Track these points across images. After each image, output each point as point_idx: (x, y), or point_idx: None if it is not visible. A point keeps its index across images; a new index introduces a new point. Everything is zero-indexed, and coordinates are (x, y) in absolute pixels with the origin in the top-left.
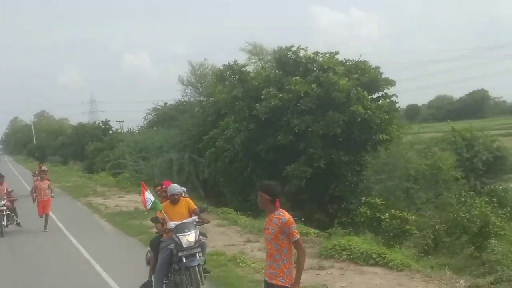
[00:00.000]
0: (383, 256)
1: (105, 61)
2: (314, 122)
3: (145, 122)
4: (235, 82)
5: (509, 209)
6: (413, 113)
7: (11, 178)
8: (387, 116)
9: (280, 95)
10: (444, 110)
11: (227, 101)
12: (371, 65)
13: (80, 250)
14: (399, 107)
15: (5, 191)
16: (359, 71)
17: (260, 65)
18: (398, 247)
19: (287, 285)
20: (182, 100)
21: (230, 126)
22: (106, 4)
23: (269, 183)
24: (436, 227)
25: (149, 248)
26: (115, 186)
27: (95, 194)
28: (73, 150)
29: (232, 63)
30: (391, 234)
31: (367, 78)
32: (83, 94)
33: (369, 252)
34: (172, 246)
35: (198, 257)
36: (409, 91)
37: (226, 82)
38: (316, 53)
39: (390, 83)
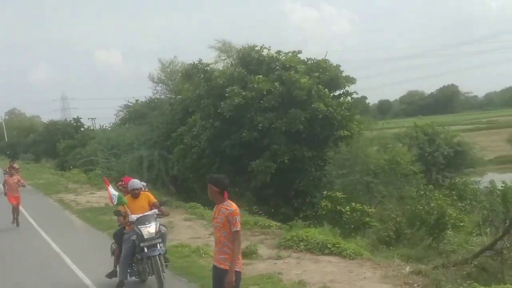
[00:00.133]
0: (338, 246)
1: (76, 58)
2: (277, 119)
3: (116, 119)
4: (201, 80)
5: (468, 201)
6: (385, 108)
7: None
8: (348, 113)
9: (244, 93)
10: (415, 105)
11: (192, 99)
12: (332, 64)
13: (51, 245)
14: (369, 103)
15: None
16: (320, 70)
17: (230, 62)
18: (355, 238)
19: (236, 269)
20: (153, 97)
21: (197, 123)
22: (76, 1)
23: (217, 176)
24: (398, 219)
25: (114, 240)
26: (86, 183)
27: (67, 191)
28: (45, 148)
29: (197, 62)
30: (352, 226)
31: (327, 76)
32: (54, 91)
33: (324, 242)
34: (134, 237)
35: (159, 247)
36: (381, 86)
37: (191, 81)
38: (279, 52)
39: (350, 80)
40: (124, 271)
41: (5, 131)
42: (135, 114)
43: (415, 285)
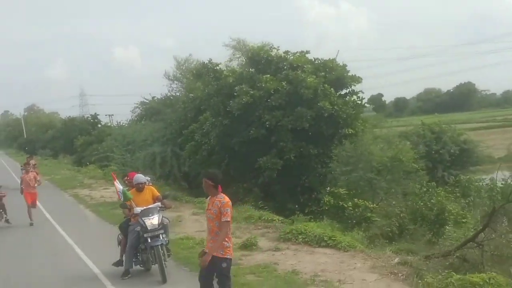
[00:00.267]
0: (333, 239)
1: (95, 54)
2: (284, 117)
3: (133, 116)
4: (211, 79)
5: (472, 198)
6: (401, 105)
7: (2, 172)
8: (353, 112)
9: (252, 92)
10: (431, 103)
11: (203, 97)
12: (339, 63)
13: (64, 237)
14: (385, 100)
15: None
16: (327, 69)
17: (243, 60)
18: (353, 232)
19: (225, 256)
20: (169, 94)
21: (207, 121)
22: None
23: (212, 171)
24: (401, 215)
25: (120, 232)
26: (102, 179)
27: (82, 186)
28: (63, 144)
29: (207, 61)
30: (354, 221)
31: (334, 75)
32: (73, 87)
33: (321, 235)
34: (138, 228)
35: (161, 238)
36: (399, 84)
37: (202, 80)
38: (287, 52)
39: (356, 80)
40: (130, 260)
41: (24, 127)
42: (151, 111)
43: (400, 274)
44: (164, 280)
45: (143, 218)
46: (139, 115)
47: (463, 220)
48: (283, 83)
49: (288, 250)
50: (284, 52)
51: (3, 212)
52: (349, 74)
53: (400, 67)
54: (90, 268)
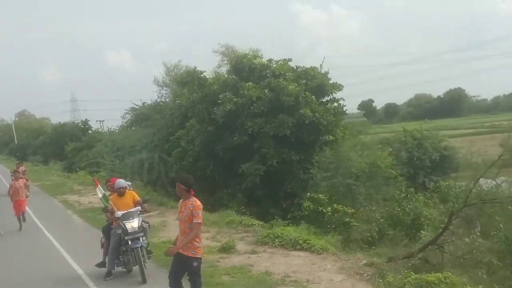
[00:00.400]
0: (308, 242)
1: (86, 59)
2: (266, 124)
3: (123, 122)
4: (195, 87)
5: (451, 204)
6: (391, 111)
7: None
8: (334, 119)
9: (235, 99)
10: (422, 108)
11: (188, 105)
12: (320, 71)
13: (51, 241)
14: (375, 106)
15: None
16: (309, 77)
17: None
18: (331, 235)
19: (196, 256)
20: (159, 100)
21: (193, 128)
22: (86, 1)
23: (185, 176)
24: (381, 220)
25: (103, 235)
26: (91, 185)
27: (72, 192)
28: (53, 150)
29: (192, 69)
30: (333, 226)
31: (315, 83)
32: (64, 92)
33: (296, 239)
34: (119, 231)
35: (141, 240)
36: (389, 90)
37: (187, 88)
38: (270, 60)
39: (337, 87)
40: (112, 262)
41: (14, 133)
42: (141, 117)
43: (365, 275)
44: (143, 281)
45: (123, 222)
46: (130, 121)
47: (441, 225)
48: (266, 91)
49: (264, 253)
50: (267, 60)
51: None
52: (330, 81)
53: (391, 73)
54: (74, 269)
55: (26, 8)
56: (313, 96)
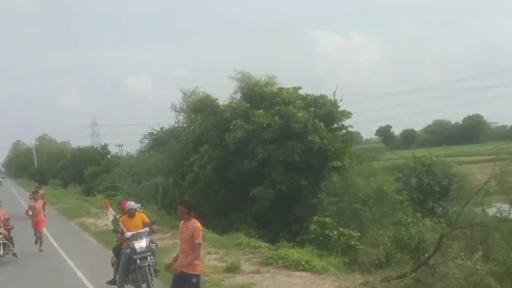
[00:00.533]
0: (310, 263)
1: (107, 84)
2: (276, 150)
3: (141, 146)
4: (208, 114)
5: (459, 229)
6: (409, 137)
7: (13, 202)
8: (342, 145)
9: (246, 126)
10: (440, 135)
11: (201, 131)
12: (331, 99)
13: (66, 261)
14: (393, 132)
15: (2, 218)
16: (318, 105)
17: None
18: (333, 257)
19: (195, 273)
20: (176, 126)
21: (206, 153)
22: (107, 28)
23: (186, 200)
24: (388, 244)
25: (113, 254)
26: (107, 208)
27: (89, 215)
28: (73, 174)
29: (204, 97)
30: (339, 249)
31: (324, 110)
32: (85, 117)
33: (299, 260)
34: (129, 251)
35: (149, 259)
36: (407, 116)
37: (200, 115)
38: (280, 89)
39: (346, 115)
40: (122, 279)
41: (35, 157)
42: (158, 142)
43: None
44: None
45: (133, 242)
46: (147, 145)
47: (448, 249)
48: (276, 118)
49: (268, 273)
50: (277, 88)
51: (10, 245)
52: (339, 109)
53: (409, 99)
54: (86, 286)
55: (48, 36)
56: (321, 123)
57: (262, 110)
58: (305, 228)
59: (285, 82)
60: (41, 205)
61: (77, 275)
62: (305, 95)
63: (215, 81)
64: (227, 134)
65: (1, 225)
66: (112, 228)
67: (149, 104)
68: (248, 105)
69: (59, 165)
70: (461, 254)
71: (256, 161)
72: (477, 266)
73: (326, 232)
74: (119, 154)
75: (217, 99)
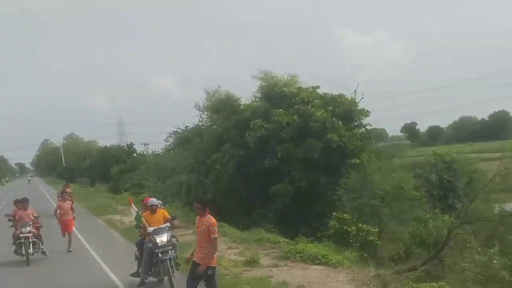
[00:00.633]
0: (326, 257)
1: (133, 83)
2: (295, 148)
3: (166, 145)
4: (228, 113)
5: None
6: (435, 134)
7: (42, 200)
8: (361, 143)
9: (266, 125)
10: (466, 131)
11: (222, 130)
12: (347, 98)
13: (93, 256)
14: (419, 129)
15: (31, 217)
16: (336, 103)
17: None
18: (349, 252)
19: (211, 265)
20: (200, 124)
21: (228, 152)
22: (134, 28)
23: (201, 196)
24: (407, 240)
25: (136, 248)
26: (137, 206)
27: (115, 213)
28: (100, 172)
29: (224, 97)
30: (358, 244)
31: (342, 109)
32: (112, 116)
33: (316, 254)
34: (151, 245)
35: (170, 253)
36: (433, 112)
37: (220, 114)
38: (300, 88)
39: (364, 113)
40: (145, 272)
41: (62, 156)
42: (183, 140)
43: (371, 285)
44: None
45: (154, 236)
46: (172, 144)
47: (467, 245)
48: (295, 117)
49: (285, 267)
50: (297, 88)
51: (40, 243)
52: (358, 108)
53: (435, 96)
54: (112, 279)
55: (75, 35)
56: (339, 122)
57: (281, 110)
58: (325, 224)
59: (308, 81)
60: (69, 205)
61: (103, 269)
62: (323, 94)
63: (239, 80)
64: (247, 133)
65: (30, 223)
66: (135, 223)
67: (175, 102)
68: (268, 104)
69: (86, 163)
70: (468, 247)
71: (276, 159)
72: (494, 261)
73: (345, 227)
74: (145, 153)
75: (239, 98)
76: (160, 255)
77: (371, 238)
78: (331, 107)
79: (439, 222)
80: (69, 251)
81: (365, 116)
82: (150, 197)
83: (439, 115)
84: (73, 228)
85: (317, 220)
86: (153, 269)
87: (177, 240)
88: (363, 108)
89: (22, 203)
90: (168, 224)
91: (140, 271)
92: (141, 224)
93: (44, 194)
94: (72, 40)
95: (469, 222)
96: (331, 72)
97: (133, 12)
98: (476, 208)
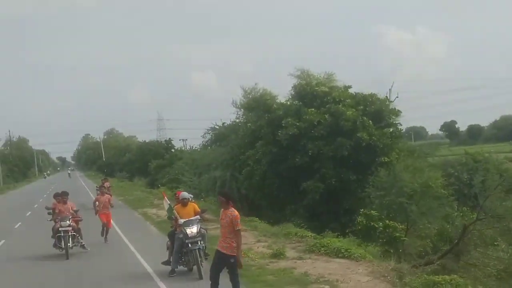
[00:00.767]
0: (349, 251)
1: (172, 79)
2: (325, 146)
3: (203, 141)
4: (261, 112)
5: (506, 223)
6: (475, 133)
7: (82, 193)
8: (390, 142)
9: (297, 124)
10: (507, 130)
11: (255, 128)
12: (379, 97)
13: (128, 246)
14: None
15: (70, 210)
16: (367, 103)
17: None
18: (372, 246)
19: (233, 254)
20: (237, 121)
21: (261, 149)
22: (174, 23)
23: (225, 190)
24: (434, 237)
25: (168, 238)
26: (170, 199)
27: (151, 206)
28: (138, 167)
29: (258, 96)
30: (384, 240)
31: (373, 108)
32: (151, 111)
33: (339, 248)
34: (181, 236)
35: (199, 244)
36: (474, 111)
37: (254, 113)
38: (332, 88)
39: (395, 113)
40: (175, 261)
41: (103, 150)
42: (220, 137)
43: (388, 277)
44: (200, 277)
45: (185, 228)
46: (209, 140)
47: (495, 243)
48: (326, 116)
49: (309, 260)
50: (329, 87)
51: (79, 237)
52: (389, 107)
53: (477, 95)
54: (144, 267)
55: (115, 31)
56: (370, 121)
57: (313, 109)
58: (353, 220)
59: (346, 79)
60: (107, 200)
61: (137, 257)
62: (354, 94)
63: (278, 77)
64: (279, 131)
65: (70, 217)
66: (167, 215)
67: (213, 99)
68: (300, 103)
69: (126, 158)
70: (483, 243)
71: (307, 156)
72: None
73: (372, 224)
74: (183, 149)
75: (277, 96)
76: (190, 245)
77: (397, 234)
78: (361, 106)
79: (465, 220)
80: (106, 241)
81: (396, 116)
82: (182, 191)
83: (479, 114)
84: (111, 221)
85: (346, 216)
86: (183, 259)
87: (206, 231)
88: (394, 108)
89: (61, 196)
90: (198, 216)
91: (171, 260)
92: (173, 216)
93: (84, 188)
94: (111, 36)
95: (482, 218)
96: (371, 70)
97: (173, 7)
98: (490, 205)
